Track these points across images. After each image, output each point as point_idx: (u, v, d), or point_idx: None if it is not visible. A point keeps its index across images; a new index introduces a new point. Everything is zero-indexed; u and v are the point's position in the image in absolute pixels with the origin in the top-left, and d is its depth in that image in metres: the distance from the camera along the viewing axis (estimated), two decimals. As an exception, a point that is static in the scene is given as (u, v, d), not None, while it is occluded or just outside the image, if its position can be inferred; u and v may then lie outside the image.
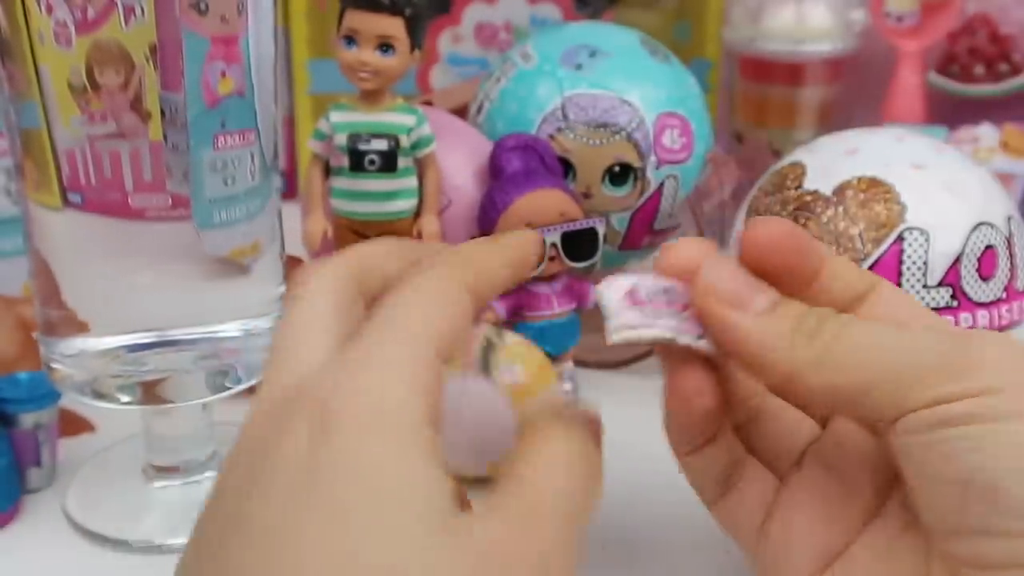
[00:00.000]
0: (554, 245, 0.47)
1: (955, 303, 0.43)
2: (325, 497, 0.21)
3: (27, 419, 0.42)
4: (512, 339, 0.42)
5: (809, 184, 0.45)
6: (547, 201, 0.48)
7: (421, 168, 0.48)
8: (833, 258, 0.30)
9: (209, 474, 0.44)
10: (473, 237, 0.38)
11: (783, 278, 0.29)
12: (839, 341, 0.27)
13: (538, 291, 0.48)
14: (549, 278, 0.48)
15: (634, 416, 0.49)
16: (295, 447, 0.22)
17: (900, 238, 0.43)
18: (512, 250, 0.30)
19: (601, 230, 0.47)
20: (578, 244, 0.48)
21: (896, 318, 0.29)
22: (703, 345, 0.29)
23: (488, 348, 0.40)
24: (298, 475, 0.22)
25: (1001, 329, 0.44)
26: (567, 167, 0.53)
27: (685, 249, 0.29)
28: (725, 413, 0.32)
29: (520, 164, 0.49)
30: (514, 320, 0.48)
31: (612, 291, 0.29)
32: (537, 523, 0.24)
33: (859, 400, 0.27)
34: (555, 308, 0.49)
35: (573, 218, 0.47)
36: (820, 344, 0.27)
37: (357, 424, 0.22)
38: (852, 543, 0.30)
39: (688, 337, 0.29)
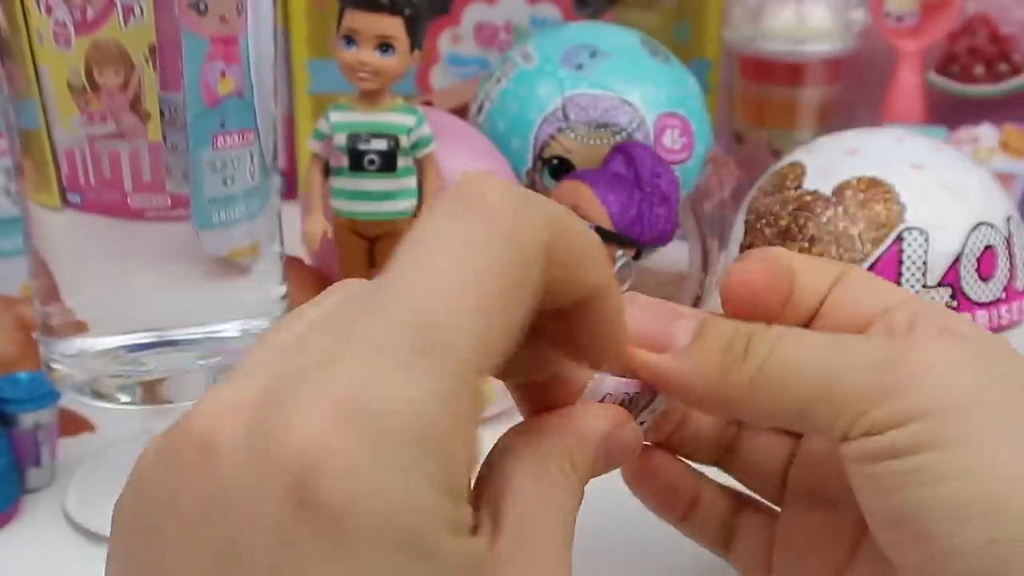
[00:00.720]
0: None
1: (955, 303, 0.43)
2: None
3: (27, 419, 0.42)
4: None
5: (809, 184, 0.45)
6: (568, 191, 0.49)
7: (421, 168, 0.48)
8: (800, 264, 0.28)
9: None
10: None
11: (767, 310, 0.27)
12: (770, 362, 0.25)
13: None
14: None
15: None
16: (279, 540, 0.17)
17: (900, 238, 0.43)
18: None
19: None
20: None
21: (863, 307, 0.27)
22: (659, 404, 0.28)
23: None
24: None
25: (1001, 329, 0.44)
26: (567, 167, 0.53)
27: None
28: (692, 476, 0.32)
29: (613, 162, 0.50)
30: None
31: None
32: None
33: (802, 422, 0.26)
34: None
35: (583, 215, 0.48)
36: (752, 367, 0.25)
37: (368, 532, 0.17)
38: (855, 554, 0.29)
39: (645, 413, 0.28)
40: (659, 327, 0.26)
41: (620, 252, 0.48)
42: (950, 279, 0.43)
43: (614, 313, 0.24)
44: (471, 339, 0.19)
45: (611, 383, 0.27)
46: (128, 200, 0.38)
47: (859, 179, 0.44)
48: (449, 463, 0.18)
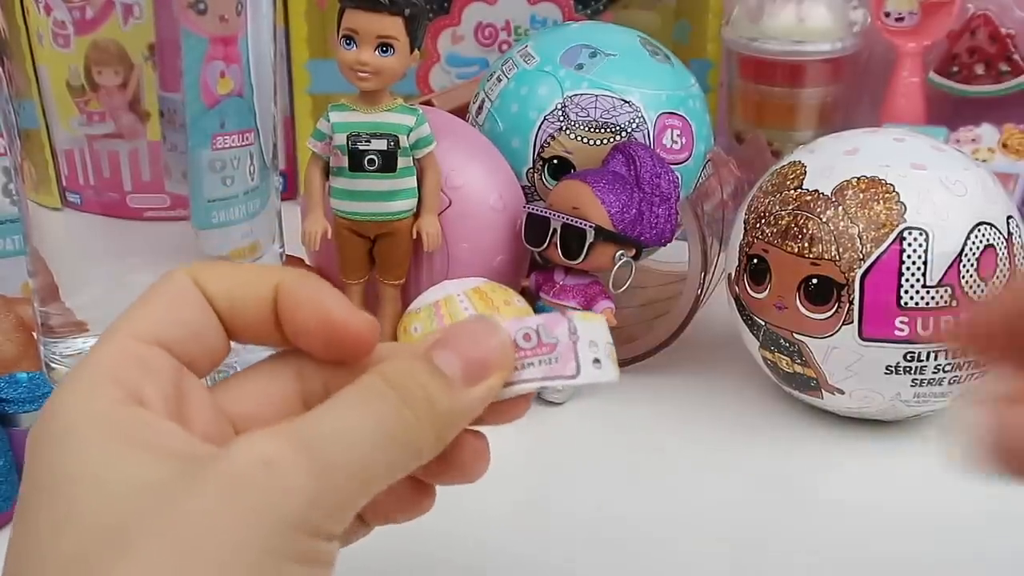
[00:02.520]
0: (555, 231, 0.48)
1: (955, 303, 0.43)
2: (29, 510, 0.23)
3: (27, 419, 0.42)
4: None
5: (809, 184, 0.45)
6: (568, 191, 0.49)
7: (421, 168, 0.48)
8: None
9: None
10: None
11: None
12: None
13: (551, 274, 0.50)
14: (563, 268, 0.49)
15: (639, 414, 0.49)
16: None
17: (900, 238, 0.43)
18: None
19: (590, 236, 0.47)
20: (568, 240, 0.48)
21: None
22: (579, 382, 0.26)
23: None
24: (23, 491, 0.23)
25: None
26: (567, 167, 0.53)
27: None
28: None
29: (612, 162, 0.50)
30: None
31: None
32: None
33: None
34: (550, 296, 0.49)
35: (583, 215, 0.48)
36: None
37: (49, 439, 0.23)
38: None
39: (560, 380, 0.26)
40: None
41: (620, 252, 0.48)
42: (950, 279, 0.43)
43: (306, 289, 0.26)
44: None
45: (517, 325, 0.26)
46: (127, 200, 0.38)
47: (859, 179, 0.44)
48: None
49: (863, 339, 0.43)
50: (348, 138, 0.47)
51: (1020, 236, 0.45)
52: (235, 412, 0.27)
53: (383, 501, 0.25)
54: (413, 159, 0.48)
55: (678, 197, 0.50)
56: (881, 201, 0.43)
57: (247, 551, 0.21)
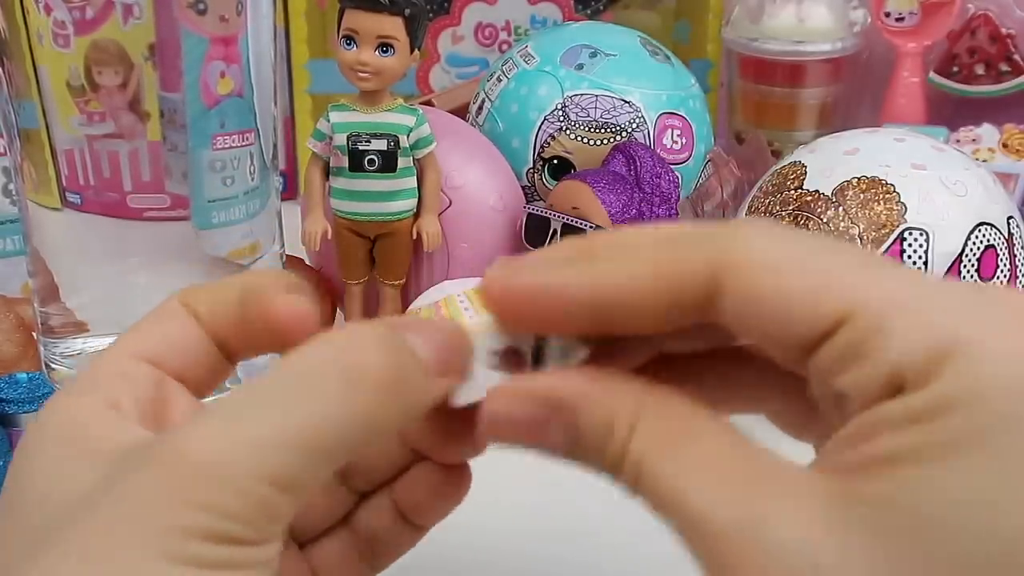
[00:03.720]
0: (555, 231, 0.48)
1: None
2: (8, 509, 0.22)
3: (27, 419, 0.42)
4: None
5: (809, 184, 0.45)
6: (568, 191, 0.49)
7: (421, 168, 0.48)
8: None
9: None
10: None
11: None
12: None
13: None
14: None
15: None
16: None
17: (900, 238, 0.43)
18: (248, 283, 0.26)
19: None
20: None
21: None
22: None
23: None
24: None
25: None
26: (567, 167, 0.53)
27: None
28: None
29: (613, 162, 0.50)
30: None
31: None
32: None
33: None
34: None
35: (583, 215, 0.48)
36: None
37: (20, 449, 0.23)
38: None
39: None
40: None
41: None
42: (951, 279, 0.43)
43: None
44: None
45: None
46: (127, 200, 0.38)
47: (859, 179, 0.44)
48: None
49: (863, 339, 0.43)
50: (348, 138, 0.47)
51: (1021, 236, 0.45)
52: None
53: (408, 491, 0.24)
54: (413, 159, 0.48)
55: (678, 197, 0.50)
56: (882, 201, 0.43)
57: (140, 558, 0.19)
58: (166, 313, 0.26)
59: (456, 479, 0.27)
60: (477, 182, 0.51)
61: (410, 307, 0.48)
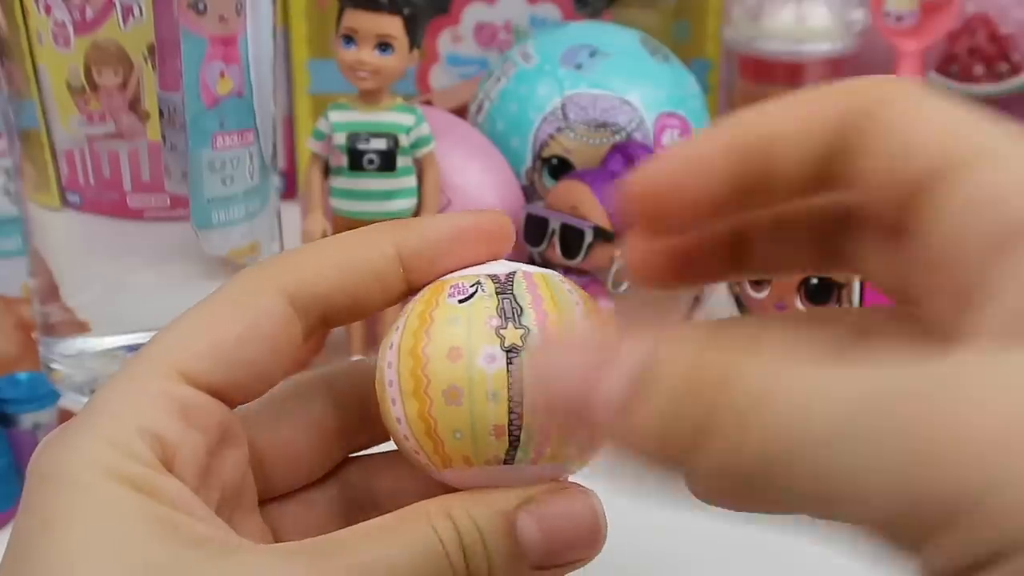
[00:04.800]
0: (554, 231, 0.48)
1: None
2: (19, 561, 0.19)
3: (27, 419, 0.42)
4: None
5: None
6: (567, 191, 0.49)
7: (420, 168, 0.48)
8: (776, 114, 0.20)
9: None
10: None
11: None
12: (749, 429, 0.16)
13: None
14: (562, 268, 0.49)
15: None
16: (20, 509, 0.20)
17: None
18: (345, 247, 0.24)
19: (588, 236, 0.47)
20: (567, 240, 0.48)
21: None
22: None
23: None
24: (11, 540, 0.20)
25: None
26: (567, 167, 0.53)
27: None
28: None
29: (612, 161, 0.50)
30: None
31: None
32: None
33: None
34: None
35: (582, 215, 0.48)
36: (723, 442, 0.16)
37: (48, 487, 0.20)
38: None
39: None
40: (584, 380, 0.17)
41: (619, 252, 0.48)
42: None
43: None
44: None
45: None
46: (127, 200, 0.38)
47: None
48: None
49: (863, 339, 0.43)
50: (348, 137, 0.47)
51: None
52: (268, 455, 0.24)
53: None
54: (413, 158, 0.48)
55: None
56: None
57: None
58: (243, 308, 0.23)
59: None
60: (476, 181, 0.51)
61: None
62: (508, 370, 0.21)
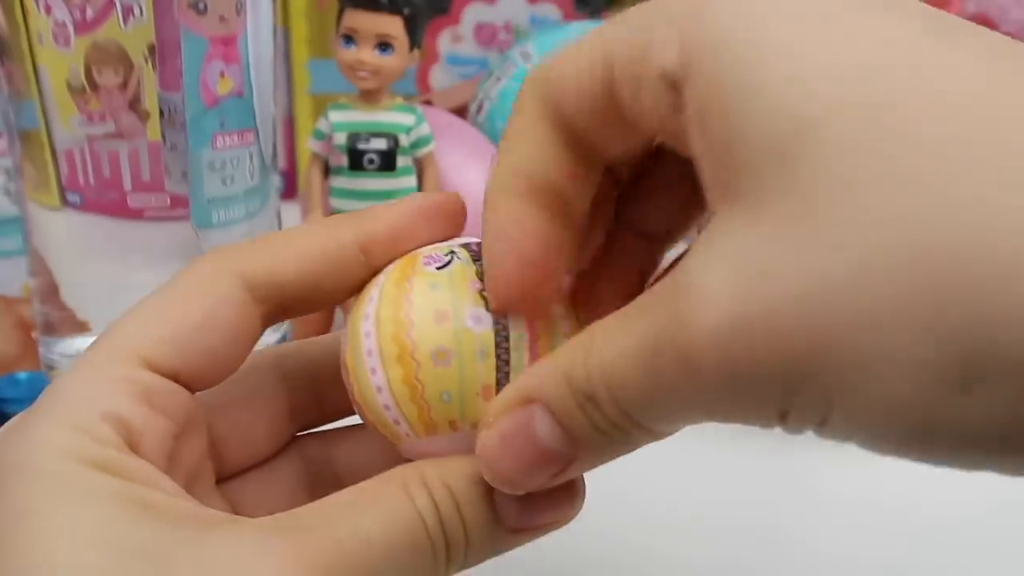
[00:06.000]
0: None
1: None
2: None
3: (26, 419, 0.42)
4: None
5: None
6: None
7: (420, 167, 0.48)
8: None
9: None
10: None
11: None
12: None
13: None
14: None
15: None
16: None
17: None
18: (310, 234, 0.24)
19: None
20: None
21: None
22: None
23: None
24: None
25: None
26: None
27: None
28: None
29: None
30: None
31: None
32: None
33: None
34: None
35: None
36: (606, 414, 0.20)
37: (15, 478, 0.20)
38: None
39: None
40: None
41: None
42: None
43: None
44: None
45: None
46: (127, 200, 0.38)
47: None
48: None
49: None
50: (348, 137, 0.47)
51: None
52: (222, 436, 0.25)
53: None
54: (413, 158, 0.48)
55: None
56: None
57: None
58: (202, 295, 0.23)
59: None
60: (476, 182, 0.51)
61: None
62: (495, 330, 0.22)
